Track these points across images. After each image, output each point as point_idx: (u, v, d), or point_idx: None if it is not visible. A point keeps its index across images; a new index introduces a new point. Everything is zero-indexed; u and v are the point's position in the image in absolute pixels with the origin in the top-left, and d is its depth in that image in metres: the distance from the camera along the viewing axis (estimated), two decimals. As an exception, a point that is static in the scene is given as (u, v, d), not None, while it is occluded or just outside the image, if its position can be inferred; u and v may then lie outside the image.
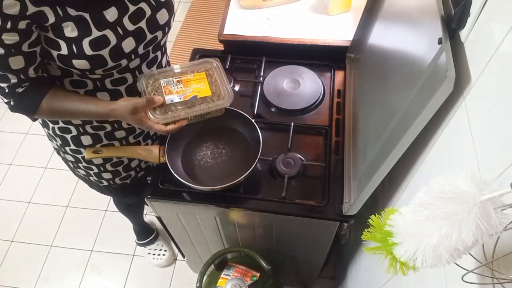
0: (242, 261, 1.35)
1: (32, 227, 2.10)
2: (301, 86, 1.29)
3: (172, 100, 0.98)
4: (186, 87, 1.01)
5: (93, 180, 1.29)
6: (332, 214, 1.05)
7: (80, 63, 0.89)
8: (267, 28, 1.41)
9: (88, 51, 0.87)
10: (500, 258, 0.50)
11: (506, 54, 0.53)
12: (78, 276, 1.94)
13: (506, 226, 0.44)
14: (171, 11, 1.01)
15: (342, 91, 1.28)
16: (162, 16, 0.98)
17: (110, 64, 0.92)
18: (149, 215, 2.01)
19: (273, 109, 1.26)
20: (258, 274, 1.30)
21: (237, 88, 1.32)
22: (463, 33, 0.67)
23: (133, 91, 1.04)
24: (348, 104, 1.23)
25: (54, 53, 0.88)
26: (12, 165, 2.32)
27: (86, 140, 1.12)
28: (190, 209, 1.15)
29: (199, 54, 1.40)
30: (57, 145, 1.19)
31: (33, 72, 0.88)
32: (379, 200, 1.11)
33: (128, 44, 0.93)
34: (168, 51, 2.74)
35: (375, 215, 0.60)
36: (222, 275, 1.30)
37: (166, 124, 0.96)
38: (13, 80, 0.87)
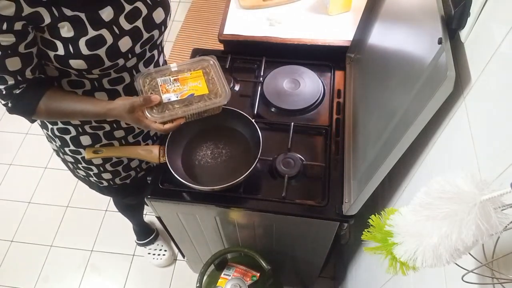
0: (242, 261, 1.35)
1: (32, 227, 2.10)
2: (301, 86, 1.29)
3: (169, 99, 0.98)
4: (183, 86, 1.01)
5: (93, 180, 1.28)
6: (332, 214, 1.05)
7: (77, 63, 0.89)
8: (267, 28, 1.41)
9: (84, 51, 0.87)
10: (500, 258, 0.50)
11: (506, 54, 0.53)
12: (78, 276, 1.94)
13: (506, 226, 0.44)
14: (167, 10, 1.02)
15: (342, 91, 1.28)
16: (158, 15, 0.99)
17: (107, 63, 0.92)
18: (149, 215, 2.01)
19: (273, 109, 1.26)
20: (258, 274, 1.30)
21: (237, 88, 1.32)
22: (463, 33, 0.67)
23: (131, 90, 1.03)
24: (348, 104, 1.23)
25: (51, 53, 0.88)
26: (12, 165, 2.32)
27: (85, 140, 1.12)
28: (190, 209, 1.15)
29: (199, 54, 1.39)
30: (56, 146, 1.18)
31: (30, 73, 0.88)
32: (379, 200, 1.11)
33: (125, 43, 0.93)
34: (168, 51, 2.75)
35: (375, 215, 0.60)
36: (222, 275, 1.30)
37: (164, 123, 0.96)
38: (10, 81, 0.87)
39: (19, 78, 0.87)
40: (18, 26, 0.80)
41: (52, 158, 2.29)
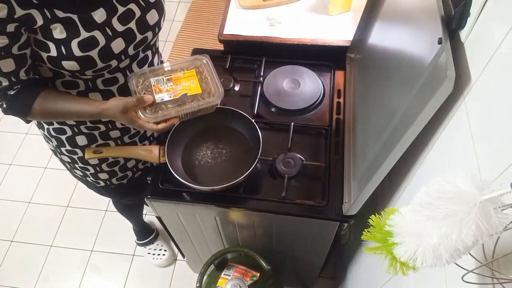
0: (242, 261, 1.35)
1: (32, 227, 2.10)
2: (301, 86, 1.29)
3: (163, 99, 0.99)
4: (176, 85, 1.01)
5: (90, 180, 1.29)
6: (332, 214, 1.05)
7: (69, 64, 0.89)
8: (267, 28, 1.41)
9: (77, 52, 0.87)
10: (500, 258, 0.50)
11: (506, 54, 0.53)
12: (78, 276, 1.94)
13: (506, 226, 0.44)
14: (161, 12, 1.02)
15: (342, 91, 1.28)
16: (152, 16, 0.99)
17: (100, 65, 0.92)
18: (149, 215, 2.01)
19: (273, 109, 1.26)
20: (258, 274, 1.30)
21: (237, 88, 1.32)
22: (463, 33, 0.67)
23: (125, 91, 1.04)
24: (348, 104, 1.23)
25: (44, 55, 0.88)
26: (12, 165, 2.32)
27: (81, 140, 1.12)
28: (190, 209, 1.15)
29: (199, 54, 1.39)
30: (53, 146, 1.19)
31: (24, 74, 0.89)
32: (379, 200, 1.11)
33: (118, 45, 0.93)
34: (168, 51, 2.75)
35: (375, 215, 0.60)
36: (222, 275, 1.30)
37: (158, 122, 0.96)
38: (5, 83, 0.87)
39: (13, 79, 0.88)
40: (10, 28, 0.80)
41: (52, 158, 2.29)
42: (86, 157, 1.09)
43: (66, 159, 1.20)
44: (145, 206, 1.86)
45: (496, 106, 0.56)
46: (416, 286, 0.83)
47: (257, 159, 1.04)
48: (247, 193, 1.09)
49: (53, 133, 1.12)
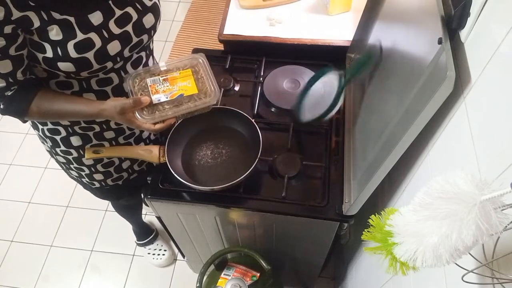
0: (242, 261, 1.35)
1: (32, 227, 2.10)
2: (301, 86, 1.29)
3: (159, 100, 0.99)
4: (172, 86, 1.02)
5: (86, 181, 1.29)
6: (332, 214, 1.05)
7: (65, 66, 0.89)
8: (267, 28, 1.41)
9: (73, 53, 0.87)
10: (500, 258, 0.50)
11: (506, 54, 0.54)
12: (78, 276, 1.94)
13: (506, 226, 0.44)
14: (157, 15, 1.02)
15: (342, 91, 1.28)
16: (148, 20, 0.99)
17: (95, 66, 0.92)
18: (149, 215, 2.01)
19: (273, 109, 1.26)
20: (258, 274, 1.30)
21: (237, 88, 1.32)
22: (463, 33, 0.67)
23: (119, 91, 1.04)
24: (348, 104, 1.23)
25: (40, 55, 0.88)
26: (12, 165, 2.32)
27: (75, 140, 1.12)
28: (190, 209, 1.15)
29: (198, 54, 1.39)
30: (48, 146, 1.19)
31: (21, 75, 0.89)
32: (379, 200, 1.11)
33: (114, 47, 0.93)
34: (168, 51, 2.75)
35: (375, 215, 0.60)
36: (222, 275, 1.30)
37: (155, 123, 0.97)
38: (2, 84, 0.88)
39: (10, 80, 0.88)
40: (7, 29, 0.80)
41: (52, 158, 2.29)
42: (86, 157, 1.09)
43: (61, 159, 1.20)
44: (145, 206, 1.86)
45: (496, 106, 0.56)
46: (416, 286, 0.83)
47: (257, 159, 1.04)
48: (247, 193, 1.09)
49: (47, 134, 1.12)
